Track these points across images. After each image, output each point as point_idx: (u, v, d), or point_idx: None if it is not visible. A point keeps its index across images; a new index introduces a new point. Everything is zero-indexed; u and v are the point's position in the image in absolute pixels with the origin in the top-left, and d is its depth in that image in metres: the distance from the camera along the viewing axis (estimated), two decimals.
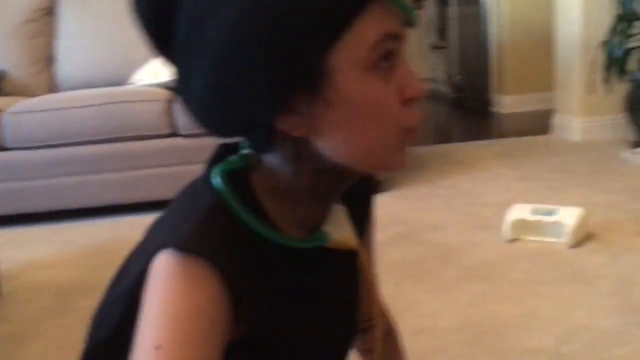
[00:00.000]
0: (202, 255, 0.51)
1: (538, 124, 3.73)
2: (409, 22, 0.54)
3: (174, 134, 2.50)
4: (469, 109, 5.05)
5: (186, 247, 0.51)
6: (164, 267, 0.51)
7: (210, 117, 0.55)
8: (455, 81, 5.64)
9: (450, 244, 1.94)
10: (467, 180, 2.68)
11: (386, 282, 0.73)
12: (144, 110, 2.46)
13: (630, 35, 2.76)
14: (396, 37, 0.52)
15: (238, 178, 0.58)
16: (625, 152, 2.83)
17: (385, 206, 2.38)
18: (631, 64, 2.81)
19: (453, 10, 5.46)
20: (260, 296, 0.56)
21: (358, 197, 0.70)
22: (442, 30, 5.99)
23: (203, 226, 0.53)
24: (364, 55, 0.51)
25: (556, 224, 1.84)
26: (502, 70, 4.57)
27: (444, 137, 4.34)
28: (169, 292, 0.50)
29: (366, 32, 0.50)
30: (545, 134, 3.52)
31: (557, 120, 3.48)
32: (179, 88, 0.56)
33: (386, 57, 0.52)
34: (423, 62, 6.54)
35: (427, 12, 6.46)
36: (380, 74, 0.52)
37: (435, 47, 6.33)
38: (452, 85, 5.74)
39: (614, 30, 2.78)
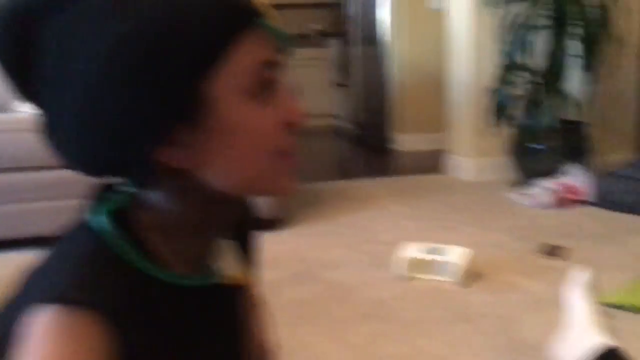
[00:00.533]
0: (86, 304, 0.47)
1: (433, 162, 3.89)
2: (284, 49, 0.55)
3: (62, 166, 2.36)
4: (370, 146, 5.19)
5: (67, 298, 0.47)
6: (42, 324, 0.46)
7: (84, 157, 0.52)
8: (357, 118, 5.79)
9: (346, 283, 1.95)
10: (364, 218, 2.72)
11: (280, 323, 0.71)
12: (29, 139, 2.31)
13: (515, 84, 2.96)
14: (273, 64, 0.53)
15: (122, 218, 0.55)
16: (511, 193, 3.01)
17: (284, 244, 2.36)
18: (515, 110, 3.02)
19: (356, 50, 5.64)
20: (149, 341, 0.52)
21: (241, 233, 0.69)
22: (345, 68, 6.16)
23: (85, 273, 0.50)
24: (242, 83, 0.51)
25: (446, 263, 1.90)
26: (399, 110, 4.75)
27: (343, 173, 4.42)
28: (48, 353, 0.45)
29: (242, 60, 0.51)
30: (439, 173, 3.68)
31: (450, 160, 3.65)
32: (46, 129, 0.53)
33: (265, 84, 0.53)
34: (327, 99, 6.68)
35: (332, 50, 6.64)
36: (259, 101, 0.53)
37: (338, 85, 6.50)
38: (354, 122, 5.89)
39: (500, 79, 2.98)
